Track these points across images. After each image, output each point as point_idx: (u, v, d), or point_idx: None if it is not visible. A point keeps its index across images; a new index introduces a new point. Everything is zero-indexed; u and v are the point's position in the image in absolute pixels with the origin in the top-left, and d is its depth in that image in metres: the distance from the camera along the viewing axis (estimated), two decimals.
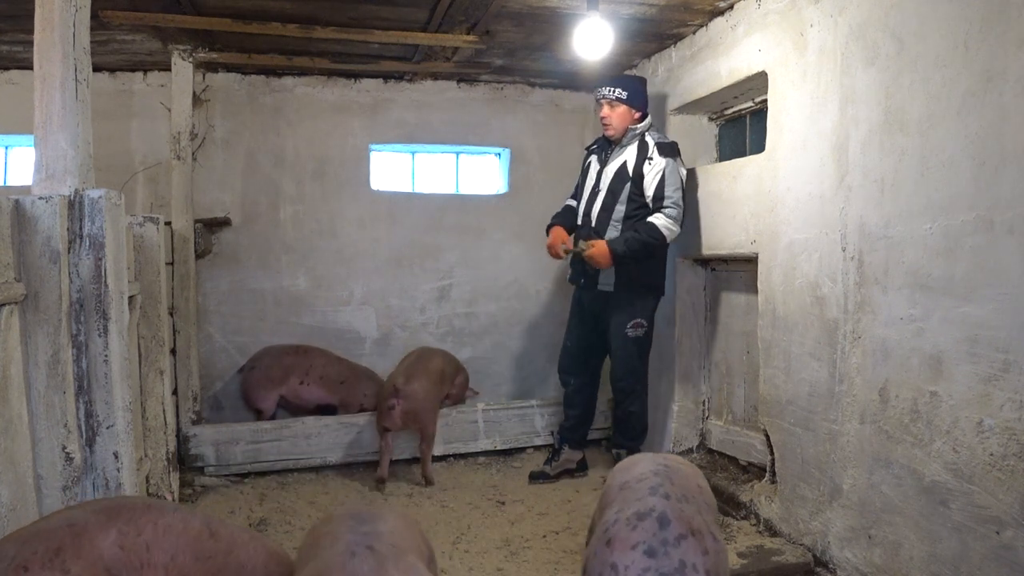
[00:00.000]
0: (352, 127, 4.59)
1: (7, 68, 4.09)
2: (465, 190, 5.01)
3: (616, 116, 3.60)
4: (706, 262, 3.88)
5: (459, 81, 4.72)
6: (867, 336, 2.53)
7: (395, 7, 3.39)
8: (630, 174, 3.56)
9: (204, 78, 4.27)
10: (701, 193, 3.67)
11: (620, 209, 3.57)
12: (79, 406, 2.00)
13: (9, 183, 4.36)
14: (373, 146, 4.69)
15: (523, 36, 3.77)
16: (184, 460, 3.75)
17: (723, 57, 3.45)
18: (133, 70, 4.27)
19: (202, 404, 4.15)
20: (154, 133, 4.26)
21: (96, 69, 3.72)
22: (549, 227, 3.83)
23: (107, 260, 2.01)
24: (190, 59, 3.94)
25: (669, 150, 3.54)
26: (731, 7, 3.35)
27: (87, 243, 1.99)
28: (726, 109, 3.86)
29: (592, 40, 3.23)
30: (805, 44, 2.86)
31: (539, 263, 4.84)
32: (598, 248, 3.46)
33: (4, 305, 1.80)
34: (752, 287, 3.31)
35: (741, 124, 3.82)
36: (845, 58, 2.63)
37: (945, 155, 2.21)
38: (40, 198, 1.93)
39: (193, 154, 4.13)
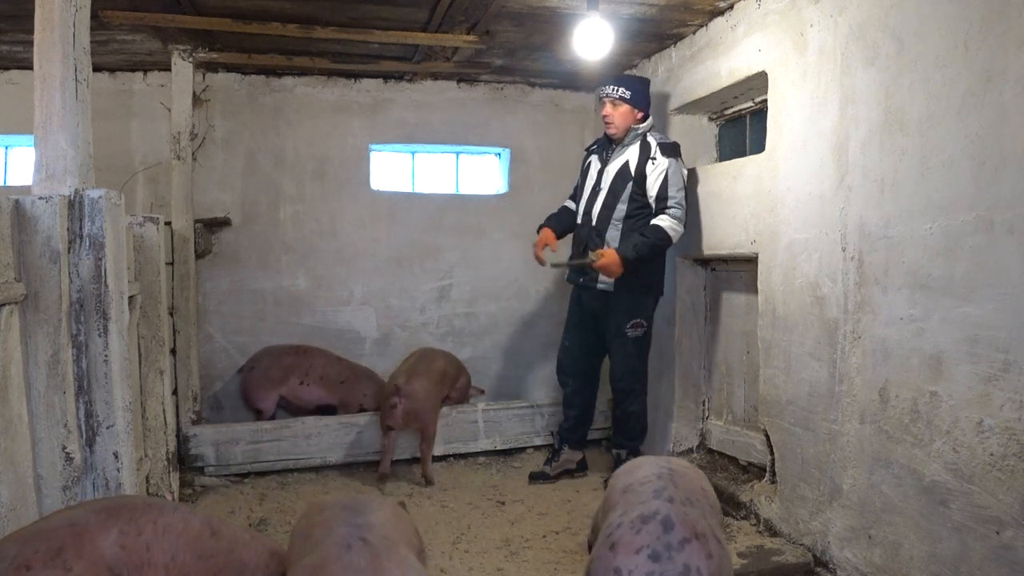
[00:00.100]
0: (352, 127, 4.59)
1: (7, 68, 4.09)
2: (465, 190, 5.01)
3: (619, 115, 3.60)
4: (706, 262, 3.88)
5: (459, 81, 4.72)
6: (867, 336, 2.53)
7: (395, 7, 3.39)
8: (632, 174, 3.56)
9: (204, 78, 4.27)
10: (701, 193, 3.67)
11: (621, 208, 3.57)
12: (79, 406, 2.00)
13: (9, 183, 4.36)
14: (373, 146, 4.69)
15: (523, 36, 3.77)
16: (184, 460, 3.75)
17: (723, 57, 3.45)
18: (133, 70, 4.27)
19: (202, 404, 4.15)
20: (154, 133, 4.27)
21: (96, 69, 3.72)
22: (540, 228, 3.84)
23: (107, 260, 2.01)
24: (190, 59, 3.94)
25: (671, 150, 3.54)
26: (731, 7, 3.35)
27: (87, 243, 1.99)
28: (726, 109, 3.86)
29: (592, 40, 3.23)
30: (805, 44, 2.86)
31: (539, 264, 4.84)
32: (609, 257, 3.44)
33: (4, 305, 1.80)
34: (752, 287, 3.31)
35: (741, 124, 3.82)
36: (845, 58, 2.63)
37: (945, 155, 2.21)
38: (40, 198, 1.93)
39: (193, 154, 4.13)
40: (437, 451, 4.06)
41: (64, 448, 1.95)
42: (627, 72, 4.29)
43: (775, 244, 3.05)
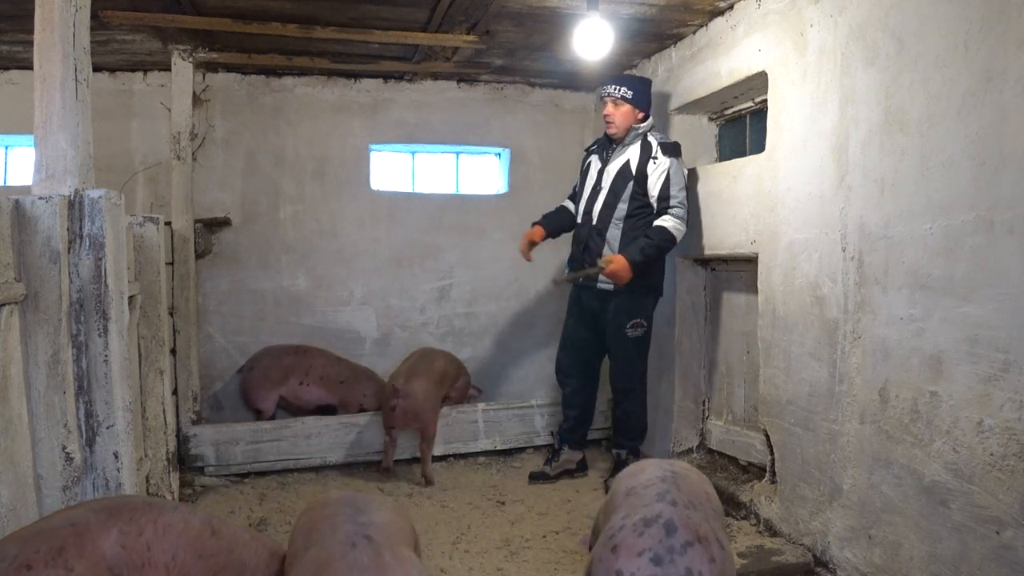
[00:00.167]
0: (352, 127, 4.59)
1: (7, 68, 4.09)
2: (465, 190, 5.01)
3: (620, 115, 3.61)
4: (706, 262, 3.88)
5: (459, 81, 4.72)
6: (867, 336, 2.53)
7: (395, 7, 3.39)
8: (633, 173, 3.56)
9: (204, 78, 4.27)
10: (701, 193, 3.67)
11: (622, 208, 3.57)
12: (79, 406, 2.00)
13: (9, 183, 4.36)
14: (373, 146, 4.69)
15: (523, 36, 3.77)
16: (184, 460, 3.75)
17: (723, 57, 3.45)
18: (133, 70, 4.27)
19: (202, 404, 4.15)
20: (154, 133, 4.27)
21: (96, 69, 3.72)
22: (533, 225, 3.86)
23: (107, 260, 2.01)
24: (190, 59, 3.94)
25: (672, 150, 3.55)
26: (731, 7, 3.36)
27: (87, 243, 1.99)
28: (726, 109, 3.86)
29: (592, 40, 3.23)
30: (805, 44, 2.86)
31: (539, 263, 4.84)
32: (617, 263, 3.42)
33: (4, 305, 1.80)
34: (752, 287, 3.31)
35: (741, 124, 3.82)
36: (845, 58, 2.63)
37: (945, 155, 2.21)
38: (40, 198, 1.93)
39: (193, 154, 4.13)
40: (437, 451, 4.06)
41: (64, 448, 1.95)
42: (627, 72, 4.30)
43: (775, 244, 3.05)
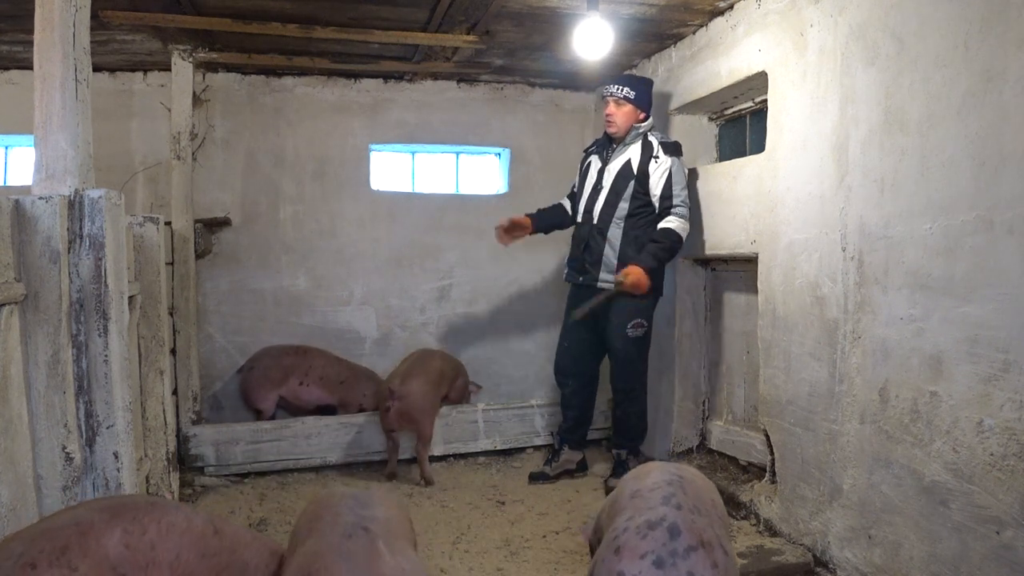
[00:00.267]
0: (352, 127, 4.59)
1: (7, 68, 4.09)
2: (465, 190, 5.01)
3: (621, 115, 3.61)
4: (706, 262, 3.88)
5: (459, 81, 4.72)
6: (867, 336, 2.53)
7: (395, 7, 3.39)
8: (634, 172, 3.57)
9: (204, 78, 4.27)
10: (701, 193, 3.67)
11: (623, 207, 3.58)
12: (79, 406, 2.00)
13: (9, 183, 4.36)
14: (373, 146, 4.69)
15: (523, 36, 3.78)
16: (184, 460, 3.75)
17: (723, 57, 3.45)
18: (133, 70, 4.27)
19: (202, 404, 4.15)
20: (154, 133, 4.26)
21: (96, 69, 3.71)
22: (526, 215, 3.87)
23: (107, 260, 2.01)
24: (190, 59, 3.94)
25: (673, 149, 3.55)
26: (731, 7, 3.36)
27: (87, 243, 1.99)
28: (726, 109, 3.86)
29: (592, 40, 3.23)
30: (805, 44, 2.86)
31: (539, 263, 4.85)
32: (635, 274, 3.39)
33: (4, 305, 1.80)
34: (752, 287, 3.31)
35: (741, 124, 3.82)
36: (845, 58, 2.63)
37: (945, 155, 2.21)
38: (40, 198, 1.93)
39: (193, 154, 4.13)
40: (437, 451, 4.06)
41: (64, 448, 1.95)
42: (627, 72, 4.30)
43: (775, 244, 3.05)
